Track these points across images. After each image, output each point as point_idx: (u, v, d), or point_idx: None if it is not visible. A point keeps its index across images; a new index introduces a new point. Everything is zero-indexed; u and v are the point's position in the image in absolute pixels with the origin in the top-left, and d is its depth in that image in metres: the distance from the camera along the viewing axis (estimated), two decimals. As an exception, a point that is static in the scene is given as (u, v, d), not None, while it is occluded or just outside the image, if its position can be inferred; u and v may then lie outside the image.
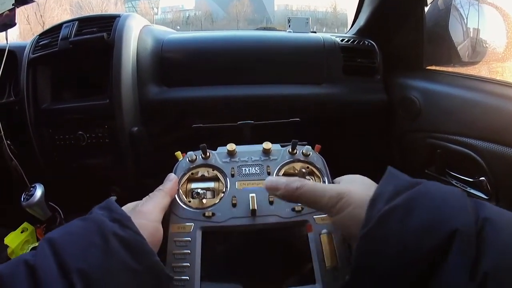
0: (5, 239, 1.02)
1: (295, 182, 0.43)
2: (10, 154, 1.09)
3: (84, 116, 1.04)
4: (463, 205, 0.33)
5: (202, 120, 0.95)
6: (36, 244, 1.00)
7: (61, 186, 1.13)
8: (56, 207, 1.09)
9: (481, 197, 0.83)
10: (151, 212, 0.46)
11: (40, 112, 1.06)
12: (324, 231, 0.48)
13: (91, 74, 1.08)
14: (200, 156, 0.57)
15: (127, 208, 0.47)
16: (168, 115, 1.06)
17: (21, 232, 1.05)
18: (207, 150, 0.57)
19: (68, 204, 1.12)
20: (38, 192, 0.99)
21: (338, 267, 0.45)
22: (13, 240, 1.01)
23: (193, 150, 0.58)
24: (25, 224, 1.06)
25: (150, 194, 0.50)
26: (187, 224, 0.49)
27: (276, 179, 0.45)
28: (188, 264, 0.45)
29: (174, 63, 1.07)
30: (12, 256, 1.00)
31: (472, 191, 0.86)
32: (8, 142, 1.09)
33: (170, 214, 0.50)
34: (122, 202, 1.15)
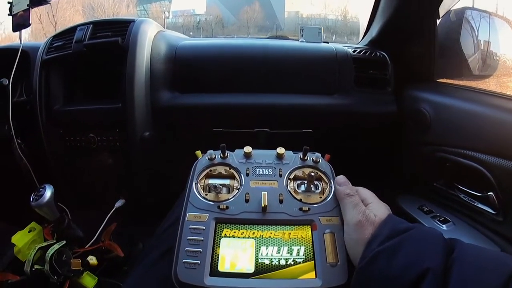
0: (12, 237, 1.06)
1: (350, 190, 0.56)
2: (20, 153, 1.13)
3: (95, 119, 1.09)
4: (438, 248, 0.44)
5: (213, 127, 1.01)
6: (43, 244, 1.03)
7: (69, 187, 1.17)
8: (64, 207, 1.12)
9: (488, 212, 0.86)
10: None
11: (52, 113, 1.13)
12: (328, 230, 0.54)
13: (104, 78, 1.13)
14: (219, 156, 0.65)
15: None
16: (179, 121, 1.12)
17: (29, 232, 1.08)
18: (226, 151, 0.65)
19: (75, 205, 1.16)
20: (48, 193, 1.02)
21: (337, 264, 0.51)
22: (20, 239, 1.05)
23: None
24: (32, 224, 1.10)
25: None
26: (202, 214, 0.56)
27: (345, 179, 0.59)
28: (201, 250, 0.52)
29: (187, 69, 1.12)
30: (19, 255, 1.04)
31: (479, 205, 0.89)
32: (19, 141, 1.14)
33: (187, 204, 0.57)
34: (130, 205, 1.20)
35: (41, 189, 1.04)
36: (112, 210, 1.14)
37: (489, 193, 0.86)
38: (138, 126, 1.04)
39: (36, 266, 1.00)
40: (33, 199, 1.03)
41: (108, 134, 1.09)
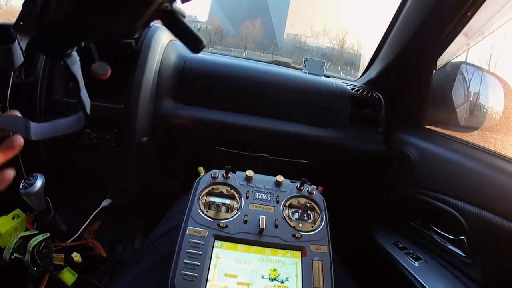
0: (-5, 222, 1.05)
1: None
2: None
3: (95, 115, 1.09)
4: None
5: (210, 142, 1.04)
6: (26, 233, 1.04)
7: (57, 180, 1.18)
8: (49, 200, 1.12)
9: (459, 254, 0.93)
10: None
11: (50, 102, 1.12)
12: (316, 258, 0.61)
13: (110, 75, 1.14)
14: (222, 175, 0.71)
15: None
16: (178, 131, 1.15)
17: (12, 218, 1.08)
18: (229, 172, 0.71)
19: (61, 199, 1.16)
20: (39, 182, 1.02)
21: None
22: (3, 225, 1.05)
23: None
24: (17, 211, 1.10)
25: None
26: (202, 229, 0.61)
27: None
28: (199, 263, 0.56)
29: (193, 82, 1.17)
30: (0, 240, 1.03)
31: (451, 247, 0.96)
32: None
33: (188, 218, 0.62)
34: (116, 206, 1.20)
35: (31, 178, 1.03)
36: (98, 209, 1.15)
37: (461, 237, 0.92)
38: (137, 130, 1.07)
39: (15, 254, 1.00)
40: (22, 186, 1.02)
41: (105, 133, 1.10)
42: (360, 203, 1.30)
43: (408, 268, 0.98)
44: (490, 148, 1.01)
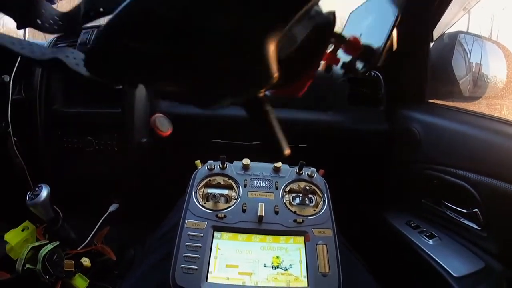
0: (5, 235, 1.07)
1: None
2: (16, 151, 1.14)
3: (95, 122, 1.10)
4: None
5: (209, 136, 1.03)
6: (37, 243, 1.05)
7: (63, 189, 1.19)
8: (58, 209, 1.13)
9: (473, 227, 0.91)
10: None
11: (51, 113, 1.14)
12: (320, 242, 0.59)
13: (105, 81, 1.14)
14: (218, 166, 0.69)
15: None
16: (176, 128, 1.13)
17: (22, 230, 1.09)
18: (225, 162, 0.69)
19: (69, 207, 1.17)
20: (44, 192, 1.05)
21: (328, 274, 0.55)
22: (13, 237, 1.06)
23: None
24: (26, 223, 1.11)
25: None
26: (201, 221, 0.60)
27: None
28: (198, 256, 0.55)
29: None
30: (11, 253, 1.05)
31: (465, 221, 0.94)
32: (15, 139, 1.15)
33: (186, 211, 0.61)
34: (124, 209, 1.22)
35: (37, 189, 1.06)
36: (106, 214, 1.16)
37: (474, 210, 0.90)
38: (136, 132, 1.07)
39: (27, 265, 1.01)
40: (29, 197, 1.04)
41: (106, 138, 1.11)
42: (369, 184, 1.27)
43: (423, 247, 0.96)
44: (496, 114, 0.98)
